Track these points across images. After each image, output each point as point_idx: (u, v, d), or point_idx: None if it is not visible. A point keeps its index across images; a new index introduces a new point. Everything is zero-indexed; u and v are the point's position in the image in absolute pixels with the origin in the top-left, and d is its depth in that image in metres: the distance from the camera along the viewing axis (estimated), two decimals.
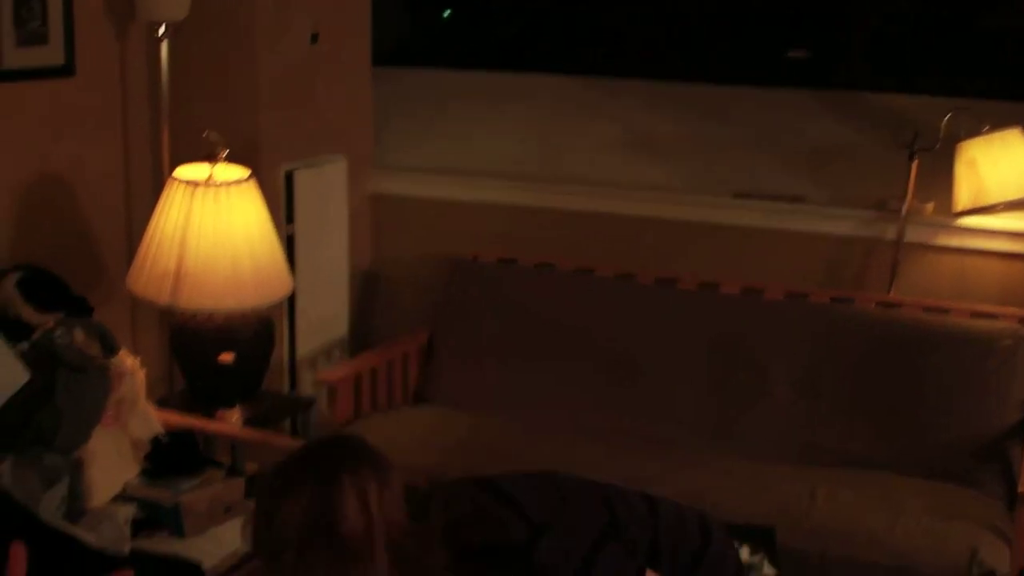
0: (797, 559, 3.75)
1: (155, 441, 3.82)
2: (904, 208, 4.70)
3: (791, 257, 4.96)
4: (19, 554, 1.60)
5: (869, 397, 4.44)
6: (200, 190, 4.10)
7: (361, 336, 5.43)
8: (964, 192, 4.58)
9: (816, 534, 3.86)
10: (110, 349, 3.82)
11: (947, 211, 4.71)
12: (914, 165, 4.64)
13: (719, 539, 2.77)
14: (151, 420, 3.88)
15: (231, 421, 4.11)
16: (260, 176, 4.35)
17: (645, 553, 2.58)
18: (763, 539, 3.64)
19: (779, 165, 5.20)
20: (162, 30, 4.47)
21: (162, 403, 4.13)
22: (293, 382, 5.03)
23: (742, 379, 4.58)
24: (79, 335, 3.75)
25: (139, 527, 3.55)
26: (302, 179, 4.93)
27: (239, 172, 4.22)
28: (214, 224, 4.08)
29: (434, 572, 2.31)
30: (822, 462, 4.34)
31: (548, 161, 5.48)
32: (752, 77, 5.74)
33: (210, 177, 4.14)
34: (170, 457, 3.78)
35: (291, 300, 4.79)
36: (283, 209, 4.85)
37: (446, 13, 7.40)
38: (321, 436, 2.38)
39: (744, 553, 3.29)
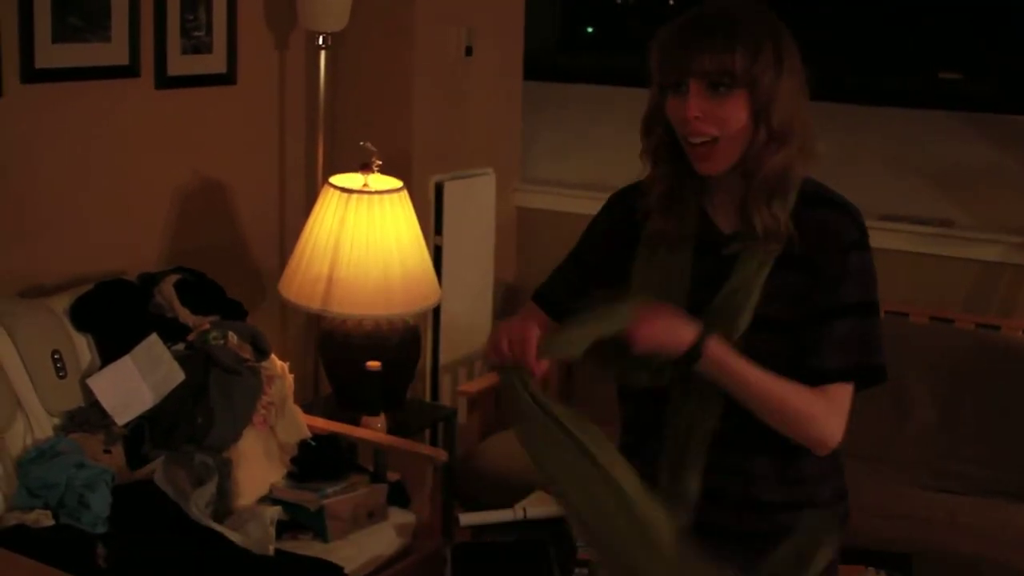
0: None
1: (302, 445, 3.88)
2: None
3: (937, 281, 4.89)
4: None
5: (1012, 426, 4.36)
6: (354, 198, 4.17)
7: None
8: None
9: (955, 563, 3.81)
10: (262, 352, 3.91)
11: None
12: None
13: None
14: (299, 424, 3.95)
15: (376, 428, 4.15)
16: (411, 187, 4.41)
17: None
18: (900, 566, 3.61)
19: (928, 188, 5.13)
20: (321, 40, 4.55)
21: (307, 408, 4.19)
22: (435, 391, 5.08)
23: (884, 402, 4.53)
24: (233, 338, 3.84)
25: (283, 529, 3.61)
26: (451, 191, 4.98)
27: (392, 182, 4.28)
28: (367, 232, 4.14)
29: None
30: (962, 489, 4.27)
31: None
32: (904, 98, 5.68)
33: (364, 186, 4.21)
34: (316, 461, 3.84)
35: (435, 310, 4.83)
36: (432, 220, 4.91)
37: (589, 29, 7.43)
38: None
39: None
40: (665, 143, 2.29)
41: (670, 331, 2.17)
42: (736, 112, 2.16)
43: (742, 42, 2.15)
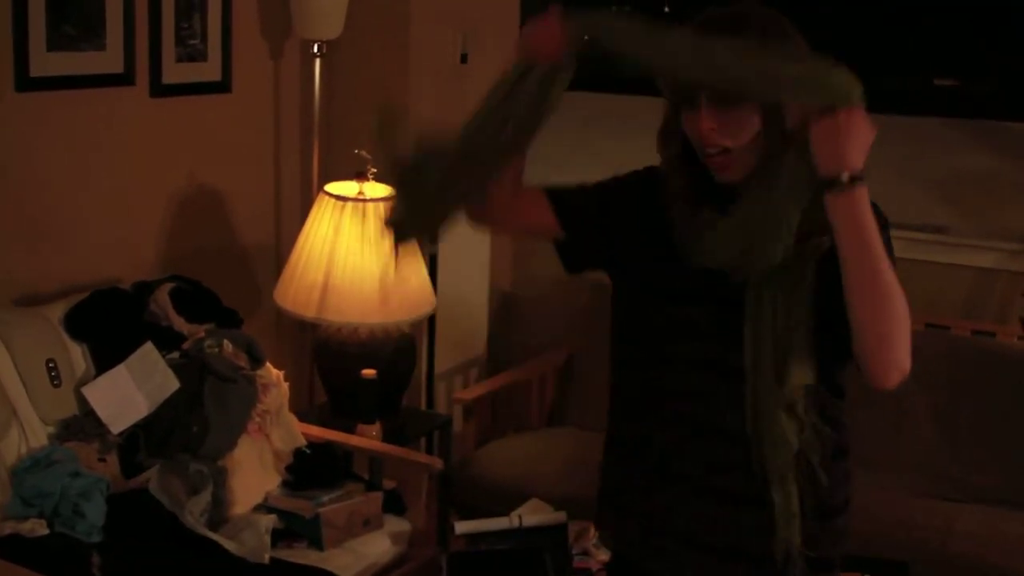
0: None
1: (297, 453, 3.88)
2: None
3: (932, 288, 4.88)
4: None
5: (1009, 433, 4.36)
6: (350, 206, 4.17)
7: (498, 356, 5.46)
8: None
9: (953, 570, 3.81)
10: (257, 360, 3.90)
11: None
12: None
13: None
14: (294, 432, 3.95)
15: (371, 436, 4.15)
16: None
17: None
18: (897, 573, 3.60)
19: (923, 195, 5.13)
20: (316, 48, 4.56)
21: (302, 416, 4.18)
22: (430, 399, 5.07)
23: (880, 409, 4.52)
24: (228, 346, 3.83)
25: (278, 537, 3.60)
26: None
27: (387, 190, 4.28)
28: (362, 240, 4.14)
29: None
30: (959, 496, 4.27)
31: None
32: (899, 105, 5.68)
33: (360, 194, 4.21)
34: (311, 469, 3.84)
35: (431, 318, 4.83)
36: None
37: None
38: None
39: None
40: (680, 154, 2.28)
41: (862, 141, 2.07)
42: (749, 120, 2.16)
43: None
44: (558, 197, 2.45)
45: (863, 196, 2.07)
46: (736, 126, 2.17)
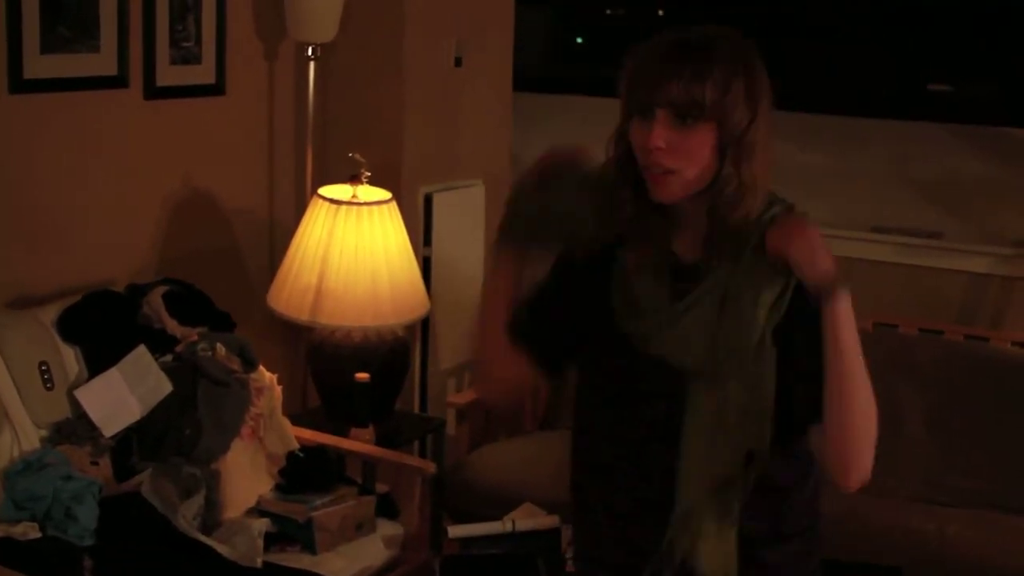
0: None
1: (290, 456, 3.87)
2: None
3: (927, 293, 4.89)
4: None
5: (1002, 438, 4.36)
6: (343, 209, 4.17)
7: None
8: None
9: (946, 575, 3.81)
10: (250, 364, 3.90)
11: None
12: None
13: None
14: (287, 435, 3.95)
15: (364, 439, 4.14)
16: (400, 198, 4.41)
17: None
18: None
19: (918, 200, 5.13)
20: (310, 51, 4.55)
21: (295, 419, 4.18)
22: (424, 403, 5.07)
23: None
24: (221, 349, 3.83)
25: (271, 541, 3.59)
26: (440, 202, 4.97)
27: (381, 193, 4.28)
28: (356, 243, 4.14)
29: None
30: (951, 501, 4.27)
31: None
32: (893, 110, 5.68)
33: (353, 197, 4.21)
34: (304, 473, 3.83)
35: (424, 321, 4.83)
36: (421, 231, 4.90)
37: (578, 39, 7.42)
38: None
39: None
40: (623, 160, 2.20)
41: (826, 248, 2.10)
42: (701, 146, 2.09)
43: (714, 73, 2.08)
44: (515, 322, 2.42)
45: (850, 304, 2.12)
46: (687, 150, 2.10)
